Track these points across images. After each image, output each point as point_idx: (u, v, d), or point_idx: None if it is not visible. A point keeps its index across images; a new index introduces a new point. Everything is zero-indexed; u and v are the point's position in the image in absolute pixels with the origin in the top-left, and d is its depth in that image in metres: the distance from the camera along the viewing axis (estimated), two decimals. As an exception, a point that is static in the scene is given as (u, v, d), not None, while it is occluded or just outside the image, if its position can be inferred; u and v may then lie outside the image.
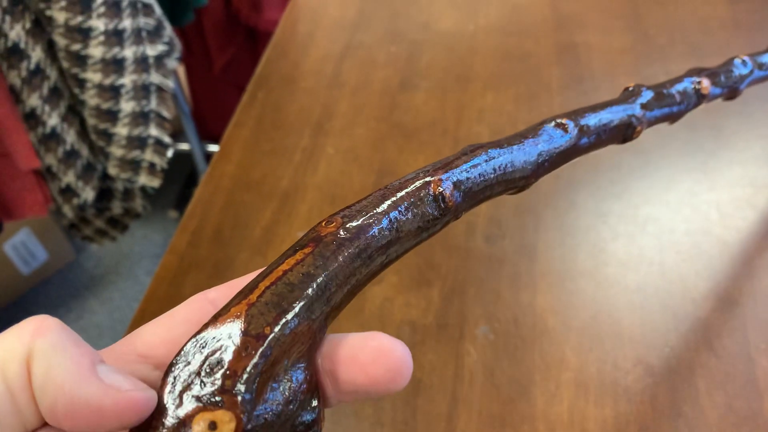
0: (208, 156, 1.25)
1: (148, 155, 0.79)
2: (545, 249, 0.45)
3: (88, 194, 0.79)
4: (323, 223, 0.17)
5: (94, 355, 0.14)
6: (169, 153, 0.81)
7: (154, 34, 0.75)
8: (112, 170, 0.79)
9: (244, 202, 0.51)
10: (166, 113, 0.79)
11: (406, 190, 0.18)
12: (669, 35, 0.62)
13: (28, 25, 0.64)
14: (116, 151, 0.77)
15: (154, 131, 0.78)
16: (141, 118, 0.76)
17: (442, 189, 0.18)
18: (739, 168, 0.48)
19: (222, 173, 0.54)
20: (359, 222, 0.17)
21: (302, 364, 0.15)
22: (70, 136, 0.74)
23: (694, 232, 0.44)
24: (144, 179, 0.80)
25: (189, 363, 0.14)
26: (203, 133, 1.32)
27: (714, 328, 0.39)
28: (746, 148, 0.50)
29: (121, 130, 0.75)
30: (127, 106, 0.73)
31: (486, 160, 0.19)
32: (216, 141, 1.09)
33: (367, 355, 0.15)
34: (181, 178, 1.48)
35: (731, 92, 0.30)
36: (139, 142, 0.77)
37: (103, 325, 1.25)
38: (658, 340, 0.39)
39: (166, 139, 0.80)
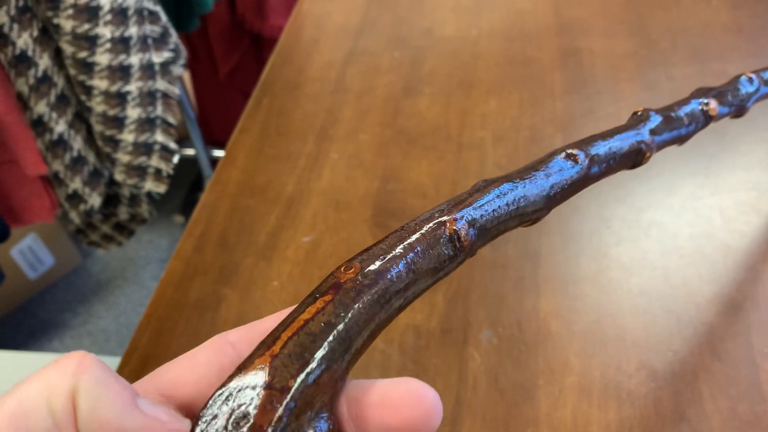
0: (214, 161, 1.26)
1: (154, 161, 0.79)
2: (548, 254, 0.45)
3: (95, 200, 0.79)
4: (342, 269, 0.17)
5: (133, 389, 0.15)
6: (175, 159, 0.82)
7: (160, 41, 0.76)
8: (119, 176, 0.79)
9: (249, 208, 0.52)
10: (171, 119, 0.79)
11: (421, 232, 0.18)
12: (672, 40, 0.62)
13: (35, 33, 0.65)
14: (123, 157, 0.77)
15: (160, 137, 0.78)
16: (147, 124, 0.76)
17: (457, 228, 0.18)
18: (742, 172, 0.48)
19: (227, 179, 0.55)
20: (377, 267, 0.17)
21: (325, 414, 0.15)
22: (77, 143, 0.75)
23: (698, 237, 0.44)
24: (150, 185, 0.81)
25: (216, 416, 0.14)
26: (209, 139, 1.33)
27: (718, 333, 0.39)
28: (749, 152, 0.50)
29: (128, 136, 0.75)
30: (133, 112, 0.74)
31: (498, 196, 0.19)
32: (222, 146, 1.10)
33: (400, 398, 0.16)
34: (187, 183, 1.49)
35: (738, 110, 0.30)
36: (146, 148, 0.78)
37: (109, 329, 1.25)
38: (661, 344, 0.39)
39: (172, 145, 0.80)
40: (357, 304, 0.16)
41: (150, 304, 0.46)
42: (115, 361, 0.46)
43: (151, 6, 0.74)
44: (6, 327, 1.26)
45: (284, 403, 0.14)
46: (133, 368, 0.42)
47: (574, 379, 0.38)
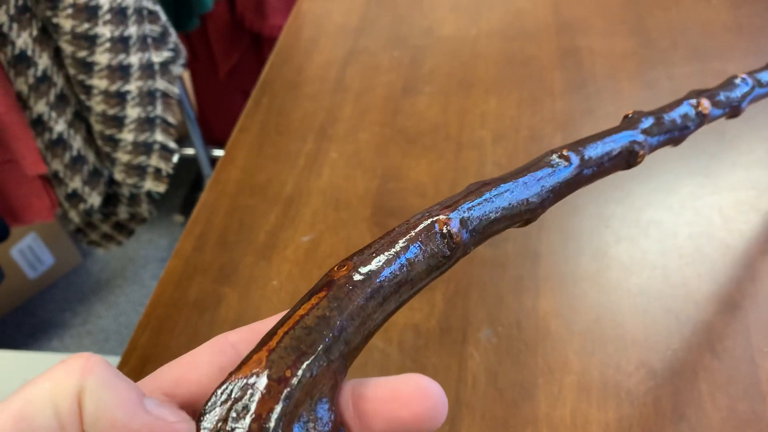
0: (214, 161, 1.26)
1: (154, 160, 0.79)
2: (548, 253, 0.45)
3: (95, 199, 0.79)
4: (335, 268, 0.18)
5: (139, 389, 0.15)
6: (175, 158, 0.82)
7: (160, 40, 0.76)
8: (119, 175, 0.79)
9: (249, 207, 0.52)
10: (171, 119, 0.79)
11: (414, 231, 0.18)
12: (671, 39, 0.62)
13: (35, 32, 0.65)
14: (122, 156, 0.77)
15: (159, 137, 0.78)
16: (147, 123, 0.76)
17: (449, 228, 0.18)
18: (741, 171, 0.48)
19: (227, 178, 0.55)
20: (370, 264, 0.17)
21: (326, 405, 0.16)
22: (77, 142, 0.75)
23: (697, 236, 0.44)
24: (150, 184, 0.81)
25: (218, 411, 0.15)
26: (208, 138, 1.33)
27: (717, 331, 0.39)
28: (749, 151, 0.50)
29: (127, 135, 0.75)
30: (132, 112, 0.74)
31: (491, 197, 0.20)
32: (221, 146, 1.10)
33: (409, 393, 0.16)
34: (187, 182, 1.49)
35: (733, 111, 0.30)
36: (145, 148, 0.78)
37: (109, 329, 1.25)
38: (660, 343, 0.39)
39: (172, 145, 0.80)
40: (351, 299, 0.17)
41: (149, 304, 0.46)
42: (114, 361, 0.46)
43: (150, 5, 0.74)
44: (6, 326, 1.26)
45: (283, 392, 0.15)
46: (133, 367, 0.42)
47: (574, 378, 0.38)
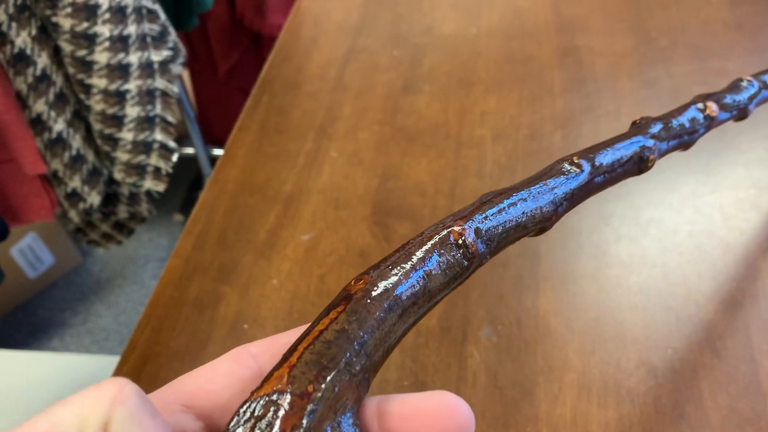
0: (213, 160, 1.26)
1: (154, 160, 0.79)
2: (548, 251, 0.45)
3: (94, 199, 0.79)
4: (353, 282, 0.17)
5: (168, 427, 0.15)
6: (174, 157, 0.82)
7: (159, 39, 0.76)
8: (118, 175, 0.79)
9: (249, 206, 0.52)
10: (170, 118, 0.79)
11: (430, 243, 0.18)
12: (671, 38, 0.62)
13: (34, 31, 0.65)
14: (122, 155, 0.77)
15: (159, 136, 0.78)
16: (146, 122, 0.76)
17: (464, 239, 0.19)
18: (742, 170, 0.48)
19: (226, 177, 0.55)
20: (388, 277, 0.17)
21: (350, 420, 0.16)
22: (76, 141, 0.75)
23: (697, 234, 0.44)
24: (149, 183, 0.81)
25: (240, 431, 0.15)
26: (208, 137, 1.33)
27: (717, 330, 0.39)
28: (749, 150, 0.50)
29: (127, 134, 0.75)
30: (132, 111, 0.74)
31: (504, 208, 0.20)
32: (221, 145, 1.10)
33: (436, 410, 0.16)
34: (187, 181, 1.49)
35: (741, 113, 0.30)
36: (145, 147, 0.78)
37: (109, 328, 1.25)
38: (660, 341, 0.39)
39: (171, 144, 0.80)
40: (370, 312, 0.17)
41: (149, 303, 0.46)
42: (114, 360, 0.46)
43: (149, 4, 0.74)
44: (6, 326, 1.26)
45: (306, 408, 0.15)
46: (133, 366, 0.42)
47: (574, 377, 0.38)
